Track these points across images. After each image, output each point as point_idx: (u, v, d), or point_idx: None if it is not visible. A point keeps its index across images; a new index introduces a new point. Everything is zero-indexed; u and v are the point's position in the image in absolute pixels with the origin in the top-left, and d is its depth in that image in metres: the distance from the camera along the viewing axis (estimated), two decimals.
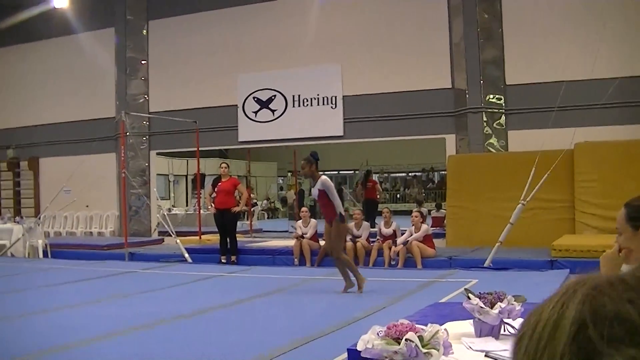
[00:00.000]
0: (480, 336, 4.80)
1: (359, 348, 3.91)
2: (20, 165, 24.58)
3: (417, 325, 3.89)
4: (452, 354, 3.96)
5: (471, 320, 4.96)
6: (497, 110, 17.07)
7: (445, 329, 3.99)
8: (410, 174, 36.60)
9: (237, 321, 8.18)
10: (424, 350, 3.70)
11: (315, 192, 10.16)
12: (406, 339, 3.71)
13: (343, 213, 10.16)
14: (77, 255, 17.23)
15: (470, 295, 4.93)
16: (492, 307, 4.77)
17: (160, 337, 7.29)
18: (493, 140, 16.96)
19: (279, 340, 6.79)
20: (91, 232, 22.64)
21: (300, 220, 15.60)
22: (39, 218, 19.64)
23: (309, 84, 19.36)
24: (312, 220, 15.44)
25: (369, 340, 3.86)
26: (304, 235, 15.04)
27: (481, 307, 4.76)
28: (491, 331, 4.79)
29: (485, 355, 4.28)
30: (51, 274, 13.83)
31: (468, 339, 4.74)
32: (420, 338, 3.74)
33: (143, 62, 22.05)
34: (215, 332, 7.48)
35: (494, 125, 17.04)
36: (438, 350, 3.75)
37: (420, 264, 13.68)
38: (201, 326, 7.91)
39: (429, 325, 3.92)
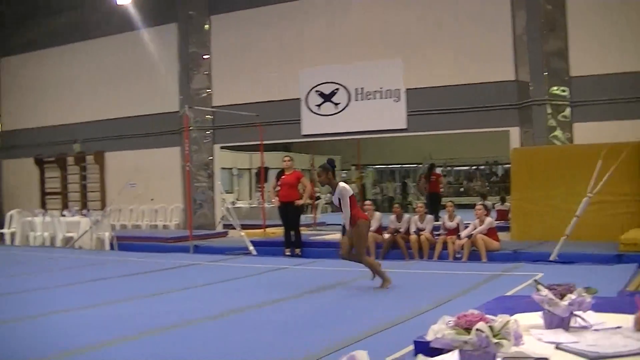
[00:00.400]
0: (549, 328, 4.77)
1: (428, 338, 3.91)
2: (87, 159, 25.10)
3: (487, 316, 3.88)
4: (523, 344, 3.95)
5: (539, 313, 4.93)
6: (561, 103, 16.80)
7: (516, 320, 3.97)
8: (473, 167, 36.35)
9: (303, 313, 8.22)
10: (495, 341, 3.69)
11: (335, 199, 10.30)
12: (477, 329, 3.70)
13: (347, 227, 10.25)
14: (143, 247, 17.52)
15: (539, 286, 4.90)
16: (562, 299, 4.73)
17: (232, 328, 7.36)
18: (558, 132, 16.71)
19: (345, 332, 6.80)
20: (156, 225, 22.95)
21: (365, 214, 15.57)
22: (105, 211, 20.00)
23: (372, 77, 19.33)
24: (377, 213, 15.43)
25: (439, 330, 3.86)
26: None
27: (551, 298, 4.73)
28: (561, 323, 4.75)
29: (557, 347, 4.25)
30: (118, 266, 14.08)
31: (537, 330, 4.71)
32: (491, 328, 3.73)
33: (205, 56, 22.27)
34: (284, 324, 7.52)
35: (559, 117, 16.78)
36: (509, 341, 3.73)
37: (485, 257, 13.60)
38: (269, 317, 7.97)
39: (499, 315, 3.90)
